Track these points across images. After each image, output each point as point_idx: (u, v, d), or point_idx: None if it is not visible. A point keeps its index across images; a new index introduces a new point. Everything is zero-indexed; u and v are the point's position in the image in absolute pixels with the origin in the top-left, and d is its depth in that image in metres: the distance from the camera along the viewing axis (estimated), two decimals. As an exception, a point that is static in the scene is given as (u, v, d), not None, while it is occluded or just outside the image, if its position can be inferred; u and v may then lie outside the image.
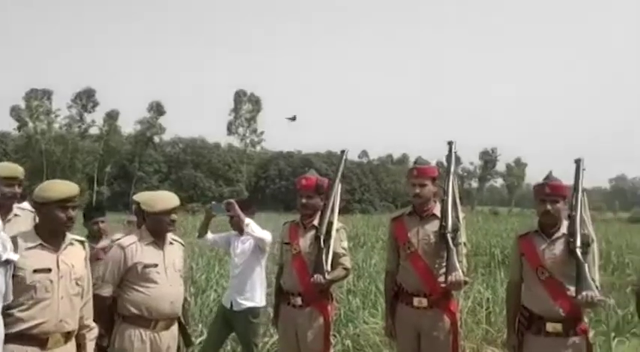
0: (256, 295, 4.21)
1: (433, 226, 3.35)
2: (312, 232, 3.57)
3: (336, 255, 3.52)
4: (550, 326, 3.01)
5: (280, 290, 3.70)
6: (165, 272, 3.17)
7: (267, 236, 4.19)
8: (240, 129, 62.48)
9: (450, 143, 3.58)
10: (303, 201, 3.64)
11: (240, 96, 62.20)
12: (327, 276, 3.38)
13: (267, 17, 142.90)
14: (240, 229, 4.28)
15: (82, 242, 2.82)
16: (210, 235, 4.63)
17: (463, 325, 4.61)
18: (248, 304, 4.17)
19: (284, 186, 56.60)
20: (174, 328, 3.25)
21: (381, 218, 32.82)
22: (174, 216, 3.23)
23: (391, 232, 3.58)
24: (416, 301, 3.31)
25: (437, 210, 3.40)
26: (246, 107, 62.34)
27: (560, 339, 3.00)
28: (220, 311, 4.41)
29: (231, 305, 4.23)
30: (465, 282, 3.26)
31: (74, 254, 2.73)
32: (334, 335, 4.77)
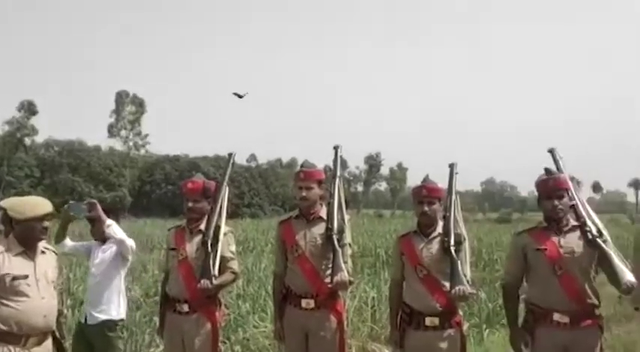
0: (112, 307, 3.94)
1: (320, 229, 3.41)
2: (199, 237, 3.50)
3: (224, 259, 3.47)
4: (428, 321, 3.18)
5: (166, 297, 3.59)
6: (37, 284, 2.95)
7: (129, 241, 3.92)
8: (123, 132, 59.53)
9: (335, 147, 3.69)
10: (190, 205, 3.55)
11: (122, 98, 59.15)
12: (215, 281, 3.33)
13: (151, 14, 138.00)
14: (102, 238, 4.01)
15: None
16: (69, 241, 4.25)
17: (350, 324, 4.75)
18: (103, 317, 3.89)
19: (170, 190, 54.70)
20: (48, 343, 3.03)
21: (270, 222, 32.87)
22: (46, 224, 3.00)
23: (279, 235, 3.60)
24: (304, 303, 3.36)
25: (323, 213, 3.47)
26: (128, 109, 59.43)
27: (437, 332, 3.18)
28: (78, 328, 4.10)
29: (86, 318, 3.96)
30: (351, 282, 3.36)
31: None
32: (223, 342, 4.70)
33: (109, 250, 4.00)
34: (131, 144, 59.76)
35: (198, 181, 3.60)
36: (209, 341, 3.45)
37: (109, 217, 3.93)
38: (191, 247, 3.51)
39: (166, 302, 3.58)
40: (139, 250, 15.75)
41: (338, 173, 3.59)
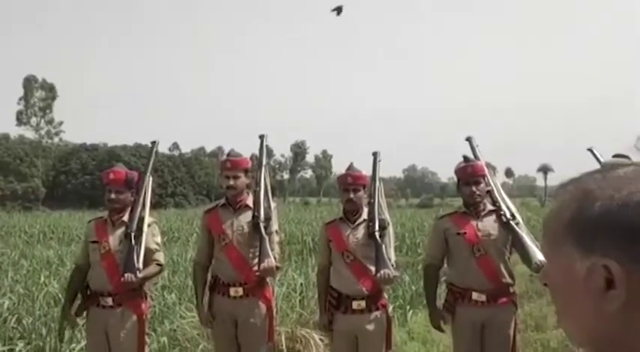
0: None
1: (246, 217, 3.42)
2: (122, 229, 3.42)
3: (149, 251, 3.41)
4: (355, 304, 3.28)
5: (81, 291, 3.49)
6: None
7: None
8: (34, 119, 56.05)
9: (261, 136, 3.69)
10: (112, 196, 3.44)
11: (30, 82, 55.53)
12: (140, 274, 3.27)
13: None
14: None
15: None
16: None
17: (278, 310, 4.79)
18: None
19: (88, 180, 52.43)
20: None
21: (195, 211, 32.26)
22: None
23: (204, 224, 3.58)
24: (232, 291, 3.37)
25: (249, 201, 3.48)
26: (38, 94, 55.87)
27: (364, 315, 3.29)
28: None
29: None
30: (278, 268, 3.41)
31: None
32: (149, 334, 4.61)
33: None
34: (43, 132, 56.44)
35: (120, 171, 3.50)
36: (135, 334, 3.38)
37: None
38: (114, 240, 3.42)
39: (86, 296, 3.46)
40: (56, 243, 15.09)
41: (264, 161, 3.61)
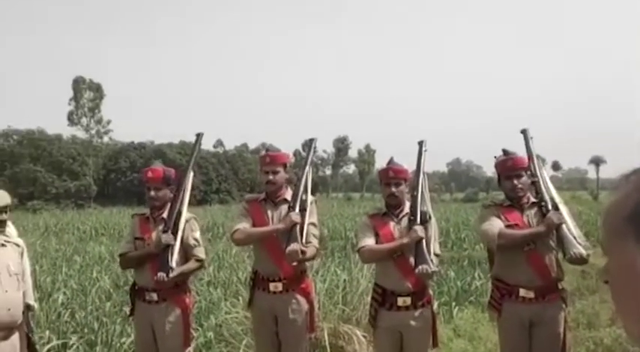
0: None
1: (284, 210, 3.44)
2: (162, 225, 3.47)
3: (187, 247, 3.47)
4: (401, 301, 3.23)
5: (134, 286, 3.57)
6: None
7: None
8: (84, 119, 57.86)
9: (311, 140, 3.71)
10: (152, 193, 3.51)
11: (79, 84, 57.30)
12: (174, 272, 3.27)
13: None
14: None
15: (14, 243, 3.08)
16: None
17: (321, 307, 4.79)
18: None
19: (136, 178, 53.86)
20: (15, 337, 2.97)
21: (239, 207, 32.71)
22: (4, 216, 2.93)
23: (248, 210, 3.56)
24: (272, 286, 3.38)
25: (288, 196, 3.49)
26: (87, 95, 57.60)
27: (409, 312, 3.23)
28: None
29: None
30: (303, 252, 3.24)
31: (7, 254, 2.97)
32: (196, 329, 4.69)
33: None
34: (93, 131, 58.23)
35: (157, 169, 3.58)
36: (180, 327, 3.45)
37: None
38: (156, 236, 3.48)
39: (135, 291, 3.54)
40: (107, 239, 15.57)
41: (309, 161, 3.60)
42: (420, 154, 3.47)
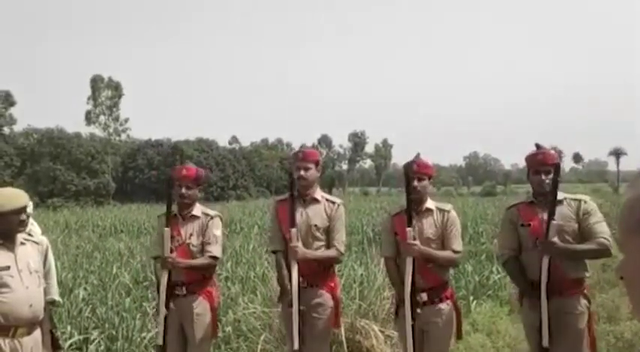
0: None
1: (314, 209, 3.50)
2: (192, 222, 3.60)
3: (205, 243, 3.56)
4: (419, 297, 3.22)
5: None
6: (20, 274, 2.93)
7: None
8: (102, 118, 58.44)
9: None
10: (183, 191, 3.59)
11: (97, 83, 57.84)
12: (183, 262, 3.45)
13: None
14: None
15: (33, 241, 3.13)
16: None
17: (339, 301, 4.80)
18: None
19: (154, 175, 54.34)
20: (37, 333, 3.03)
21: (256, 203, 32.83)
22: (23, 216, 2.99)
23: (276, 214, 3.63)
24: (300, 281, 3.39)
25: (318, 194, 3.55)
26: (105, 94, 58.12)
27: (427, 307, 3.23)
28: None
29: None
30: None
31: (28, 251, 3.03)
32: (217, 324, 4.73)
33: None
34: (111, 130, 58.79)
35: (191, 168, 3.68)
36: (209, 320, 3.56)
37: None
38: (185, 232, 3.58)
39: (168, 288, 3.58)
40: (126, 236, 15.76)
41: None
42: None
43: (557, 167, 3.17)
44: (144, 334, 4.79)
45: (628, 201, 0.63)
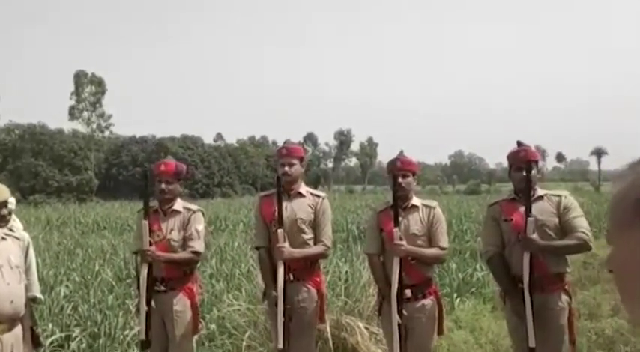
0: None
1: (299, 204, 3.49)
2: (173, 218, 3.56)
3: (187, 237, 3.54)
4: (403, 293, 3.23)
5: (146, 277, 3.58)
6: (1, 270, 2.89)
7: None
8: (85, 114, 57.74)
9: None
10: (163, 187, 3.55)
11: (80, 78, 57.14)
12: (163, 255, 3.42)
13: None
14: None
15: (14, 236, 3.01)
16: None
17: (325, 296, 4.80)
18: None
19: (138, 172, 53.93)
20: (18, 329, 2.98)
21: (241, 201, 32.77)
22: (4, 211, 2.95)
23: (259, 210, 3.61)
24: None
25: (302, 189, 3.54)
26: (88, 89, 57.42)
27: (410, 303, 3.25)
28: None
29: None
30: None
31: (9, 247, 2.91)
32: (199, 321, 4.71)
33: None
34: (94, 126, 58.16)
35: (170, 163, 3.63)
36: (189, 317, 3.53)
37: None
38: (166, 227, 3.55)
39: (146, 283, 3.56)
40: (109, 233, 15.61)
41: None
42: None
43: (529, 164, 3.21)
44: (126, 331, 4.75)
45: (617, 193, 0.63)
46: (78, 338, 4.61)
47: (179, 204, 3.64)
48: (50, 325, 4.77)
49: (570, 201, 3.27)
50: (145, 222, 3.45)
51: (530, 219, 3.12)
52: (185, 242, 3.53)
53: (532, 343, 3.08)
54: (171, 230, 3.54)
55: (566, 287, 3.26)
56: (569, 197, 3.31)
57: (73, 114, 57.12)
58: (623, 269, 0.62)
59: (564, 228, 3.19)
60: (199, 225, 3.60)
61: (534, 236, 3.10)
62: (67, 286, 6.41)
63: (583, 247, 3.20)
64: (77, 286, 6.58)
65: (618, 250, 0.63)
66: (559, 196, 3.29)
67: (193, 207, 3.70)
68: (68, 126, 58.75)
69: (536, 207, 3.21)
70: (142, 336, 3.46)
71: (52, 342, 4.51)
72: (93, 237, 14.23)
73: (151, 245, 3.44)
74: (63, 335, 4.67)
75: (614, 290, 0.66)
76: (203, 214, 3.69)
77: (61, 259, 9.00)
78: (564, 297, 3.22)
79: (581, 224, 3.16)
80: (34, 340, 3.17)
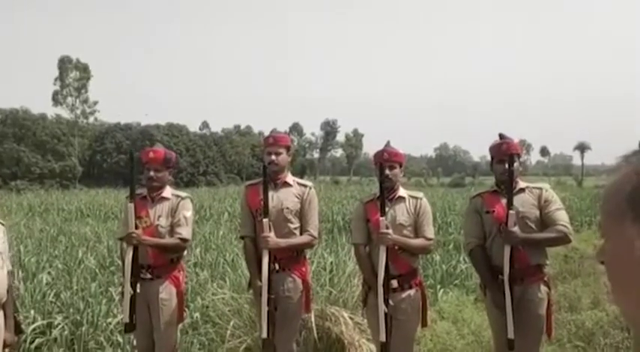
0: None
1: (285, 193, 3.49)
2: (161, 205, 3.56)
3: (174, 224, 3.52)
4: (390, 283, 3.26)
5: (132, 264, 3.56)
6: None
7: None
8: (69, 99, 56.92)
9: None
10: (151, 174, 3.54)
11: (65, 63, 56.28)
12: (149, 239, 3.41)
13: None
14: None
15: None
16: None
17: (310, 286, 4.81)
18: None
19: (122, 159, 53.42)
20: (0, 315, 2.95)
21: (227, 190, 32.56)
22: None
23: (245, 198, 3.60)
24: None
25: (289, 179, 3.54)
26: (73, 75, 56.59)
27: (396, 294, 3.28)
28: None
29: None
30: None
31: None
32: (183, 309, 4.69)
33: None
34: (79, 112, 57.40)
35: (159, 150, 3.61)
36: (175, 305, 3.53)
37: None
38: (154, 214, 3.54)
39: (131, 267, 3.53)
40: (93, 220, 15.47)
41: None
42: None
43: (511, 157, 3.24)
44: (109, 319, 4.72)
45: (610, 186, 0.64)
46: (60, 326, 4.57)
47: (168, 192, 3.63)
48: (32, 312, 4.72)
49: (551, 193, 3.33)
50: (131, 205, 3.43)
51: (511, 212, 3.15)
52: (172, 228, 3.52)
53: (511, 334, 3.13)
54: (159, 216, 3.53)
55: (545, 278, 3.31)
56: (550, 190, 3.37)
57: (56, 99, 56.29)
58: (615, 261, 0.63)
59: (545, 220, 3.25)
60: (187, 211, 3.59)
61: (515, 229, 3.13)
62: (49, 273, 6.35)
63: (563, 240, 3.25)
64: (60, 273, 6.51)
65: (611, 242, 0.63)
66: (540, 189, 3.34)
67: (182, 193, 3.70)
68: (52, 111, 57.92)
69: (517, 200, 3.25)
70: (126, 319, 3.44)
71: (33, 329, 4.46)
72: (76, 225, 14.07)
73: (136, 228, 3.42)
74: (45, 322, 4.62)
75: (594, 283, 0.67)
76: (192, 201, 3.69)
77: (43, 246, 8.90)
78: (543, 288, 3.28)
79: (562, 217, 3.21)
80: (16, 327, 3.14)
